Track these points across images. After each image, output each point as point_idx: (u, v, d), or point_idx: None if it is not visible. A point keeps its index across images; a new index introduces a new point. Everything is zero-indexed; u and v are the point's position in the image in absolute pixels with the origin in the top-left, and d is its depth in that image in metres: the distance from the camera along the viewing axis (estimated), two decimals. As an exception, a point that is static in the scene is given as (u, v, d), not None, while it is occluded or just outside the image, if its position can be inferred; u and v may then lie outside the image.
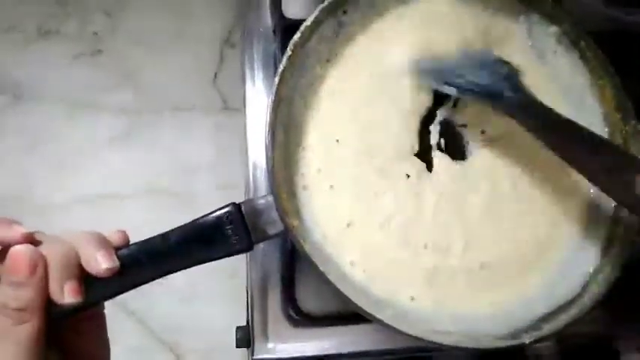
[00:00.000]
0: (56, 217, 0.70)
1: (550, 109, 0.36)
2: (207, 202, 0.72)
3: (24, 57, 0.76)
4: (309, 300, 0.44)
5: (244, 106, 0.49)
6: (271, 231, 0.36)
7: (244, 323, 0.47)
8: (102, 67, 0.76)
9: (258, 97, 0.49)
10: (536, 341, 0.35)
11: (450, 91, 0.39)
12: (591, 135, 0.35)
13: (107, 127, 0.74)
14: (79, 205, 0.71)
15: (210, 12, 0.78)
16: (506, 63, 0.39)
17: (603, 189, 0.36)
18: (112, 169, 0.73)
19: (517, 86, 0.38)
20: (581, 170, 0.35)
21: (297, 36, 0.38)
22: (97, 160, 0.73)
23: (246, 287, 0.46)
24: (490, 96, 0.38)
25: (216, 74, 0.76)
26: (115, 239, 0.32)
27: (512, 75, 0.38)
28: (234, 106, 0.75)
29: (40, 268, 0.28)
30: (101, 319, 0.34)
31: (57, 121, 0.74)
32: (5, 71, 0.76)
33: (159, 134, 0.74)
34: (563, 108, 0.43)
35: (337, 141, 0.39)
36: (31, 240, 0.29)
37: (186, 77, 0.75)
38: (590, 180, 0.36)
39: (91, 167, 0.73)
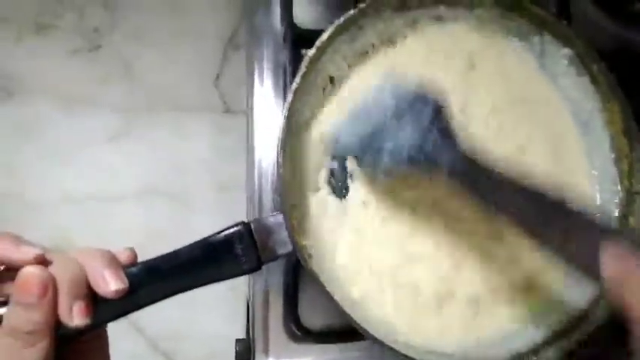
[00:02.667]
0: (47, 216, 0.69)
1: (492, 168, 0.33)
2: (204, 205, 0.71)
3: (18, 51, 0.74)
4: (312, 315, 0.44)
5: (251, 111, 0.48)
6: (280, 251, 0.35)
7: (243, 333, 0.47)
8: (100, 63, 0.73)
9: (265, 102, 0.48)
10: (539, 366, 0.35)
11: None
12: (546, 194, 0.31)
13: (103, 125, 0.72)
14: (72, 204, 0.70)
15: (214, 9, 0.76)
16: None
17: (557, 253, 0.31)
18: (107, 167, 0.71)
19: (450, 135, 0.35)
20: (534, 233, 0.32)
21: (311, 52, 0.37)
22: (91, 158, 0.71)
23: (247, 300, 0.45)
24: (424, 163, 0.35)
25: (218, 75, 0.74)
26: (124, 258, 0.31)
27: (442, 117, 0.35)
28: (235, 109, 0.74)
29: (50, 289, 0.28)
30: (104, 337, 0.33)
31: (51, 117, 0.72)
32: (-2, 65, 0.73)
33: (156, 134, 0.72)
34: (573, 131, 0.44)
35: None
36: (42, 261, 0.29)
37: (187, 76, 0.73)
38: (542, 245, 0.32)
39: (85, 165, 0.71)
